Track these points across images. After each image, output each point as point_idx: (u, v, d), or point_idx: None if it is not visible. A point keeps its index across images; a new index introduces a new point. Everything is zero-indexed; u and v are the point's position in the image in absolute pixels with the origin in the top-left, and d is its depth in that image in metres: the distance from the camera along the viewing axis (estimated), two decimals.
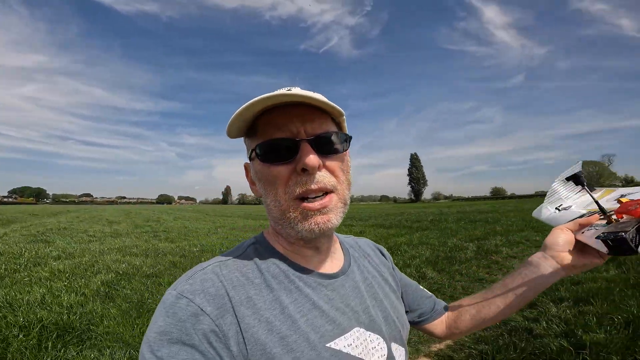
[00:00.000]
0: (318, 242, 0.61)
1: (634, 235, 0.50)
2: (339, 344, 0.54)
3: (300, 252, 0.61)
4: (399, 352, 0.65)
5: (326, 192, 0.55)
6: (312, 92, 0.53)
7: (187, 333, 0.47)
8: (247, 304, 0.52)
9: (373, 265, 0.74)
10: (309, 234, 0.55)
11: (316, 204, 0.54)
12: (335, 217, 0.56)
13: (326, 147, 0.56)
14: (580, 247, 0.63)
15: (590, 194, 0.63)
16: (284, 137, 0.54)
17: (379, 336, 0.61)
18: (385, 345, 0.61)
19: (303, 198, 0.54)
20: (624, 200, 0.60)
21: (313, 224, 0.54)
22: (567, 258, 0.63)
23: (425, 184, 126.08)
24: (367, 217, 18.14)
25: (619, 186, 0.74)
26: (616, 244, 0.51)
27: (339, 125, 0.62)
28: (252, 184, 0.64)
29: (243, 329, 0.49)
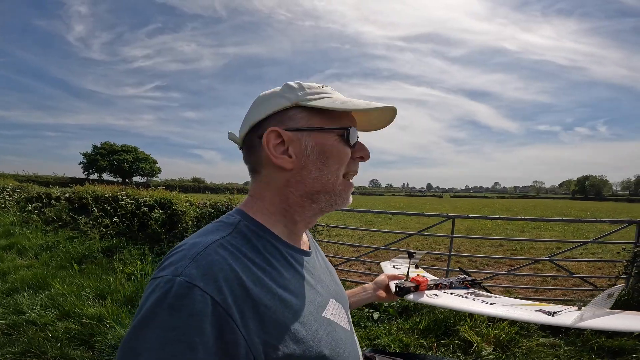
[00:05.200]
0: (315, 221, 0.69)
1: (406, 290, 0.96)
2: (327, 313, 0.61)
3: (293, 230, 0.65)
4: (350, 318, 0.75)
5: None
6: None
7: (201, 332, 0.42)
8: (259, 285, 0.51)
9: (317, 245, 0.82)
10: (343, 205, 0.65)
11: (353, 183, 0.67)
12: None
13: None
14: (388, 289, 1.03)
15: (408, 266, 1.09)
16: (356, 129, 0.64)
17: (342, 306, 0.69)
18: (345, 313, 0.70)
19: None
20: (420, 274, 1.12)
21: (350, 198, 0.66)
22: (382, 293, 1.03)
23: None
24: None
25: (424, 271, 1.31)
26: (397, 289, 0.97)
27: None
28: (282, 153, 0.60)
29: (262, 311, 0.48)
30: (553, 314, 0.78)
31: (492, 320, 2.90)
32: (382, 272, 1.14)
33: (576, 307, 0.80)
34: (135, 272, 4.13)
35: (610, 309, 0.77)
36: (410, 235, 5.14)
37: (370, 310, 3.26)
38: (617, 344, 2.58)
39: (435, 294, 0.98)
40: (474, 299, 0.94)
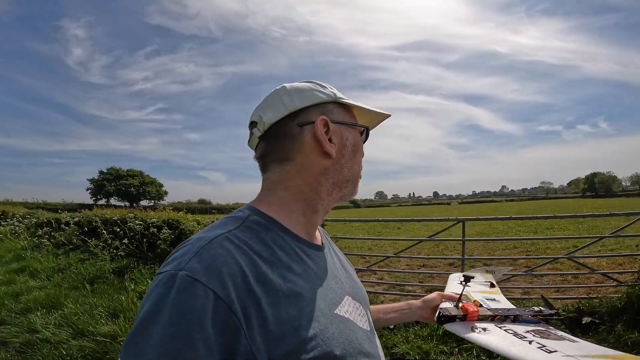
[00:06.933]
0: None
1: (449, 319, 0.82)
2: (340, 310, 0.58)
3: (310, 220, 0.64)
4: (370, 318, 0.72)
5: None
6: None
7: (202, 327, 0.42)
8: (264, 279, 0.49)
9: (331, 242, 0.81)
10: (356, 194, 0.70)
11: None
12: None
13: None
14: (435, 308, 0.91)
15: (462, 290, 0.90)
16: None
17: (360, 304, 0.67)
18: (364, 312, 0.67)
19: None
20: (472, 302, 0.91)
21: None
22: (428, 313, 0.92)
23: None
24: None
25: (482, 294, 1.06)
26: (439, 315, 0.85)
27: None
28: (329, 142, 0.62)
29: (265, 307, 0.47)
30: None
31: None
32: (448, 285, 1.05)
33: None
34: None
35: None
36: (421, 241, 5.07)
37: None
38: None
39: (484, 328, 0.78)
40: (530, 342, 0.71)
